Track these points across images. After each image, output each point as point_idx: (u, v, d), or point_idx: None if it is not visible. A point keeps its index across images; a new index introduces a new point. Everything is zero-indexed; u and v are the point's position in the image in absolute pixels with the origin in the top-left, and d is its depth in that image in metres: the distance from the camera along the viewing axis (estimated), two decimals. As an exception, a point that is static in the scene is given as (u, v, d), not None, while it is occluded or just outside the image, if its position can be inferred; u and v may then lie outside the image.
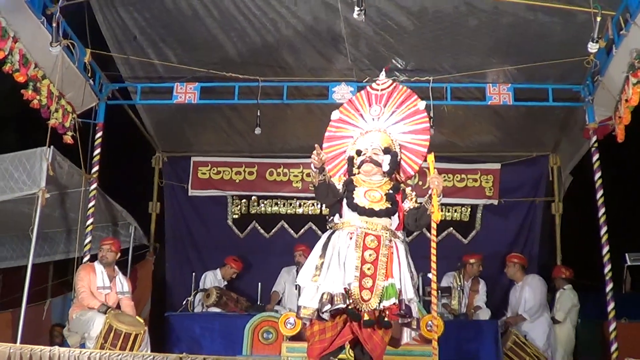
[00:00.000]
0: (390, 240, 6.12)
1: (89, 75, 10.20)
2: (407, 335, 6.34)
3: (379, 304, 5.88)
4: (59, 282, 12.96)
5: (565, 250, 12.69)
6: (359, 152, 6.46)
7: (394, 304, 5.87)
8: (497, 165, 13.17)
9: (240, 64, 10.82)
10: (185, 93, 10.81)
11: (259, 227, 13.43)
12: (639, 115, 8.54)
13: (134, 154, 13.34)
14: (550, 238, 12.97)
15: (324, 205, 11.58)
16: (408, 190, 6.46)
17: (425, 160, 6.32)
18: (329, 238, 6.21)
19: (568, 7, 8.73)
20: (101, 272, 9.61)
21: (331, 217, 6.39)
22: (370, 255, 5.99)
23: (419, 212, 6.21)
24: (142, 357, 5.79)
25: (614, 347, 9.54)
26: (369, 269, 5.96)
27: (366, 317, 5.88)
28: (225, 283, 11.89)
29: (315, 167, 6.08)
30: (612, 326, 9.67)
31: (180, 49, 10.78)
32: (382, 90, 6.80)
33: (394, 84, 6.82)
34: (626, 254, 11.03)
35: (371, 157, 6.37)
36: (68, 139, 9.96)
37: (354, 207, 6.14)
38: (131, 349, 8.54)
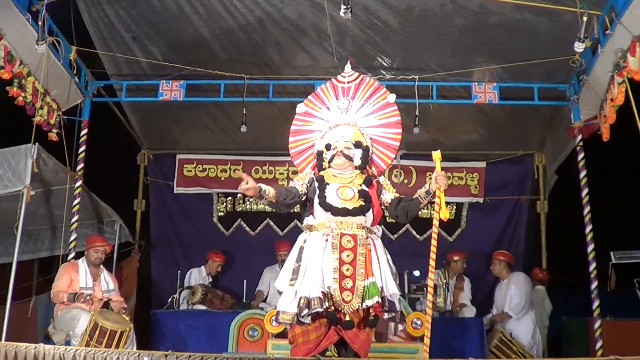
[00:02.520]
0: (367, 238, 6.11)
1: (75, 72, 10.18)
2: (392, 329, 6.33)
3: (362, 303, 5.86)
4: (44, 279, 12.90)
5: (550, 248, 12.74)
6: (328, 146, 6.45)
7: (377, 302, 5.85)
8: (483, 164, 13.20)
9: (226, 62, 10.81)
10: (171, 90, 10.79)
11: (245, 225, 13.43)
12: (624, 115, 8.56)
13: (119, 151, 13.30)
14: (535, 236, 13.01)
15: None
16: (382, 179, 6.48)
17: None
18: (304, 241, 6.20)
19: (554, 7, 8.75)
20: (85, 271, 9.59)
21: (305, 219, 6.36)
22: (348, 255, 5.97)
23: (412, 205, 6.18)
24: (128, 355, 5.77)
25: (599, 344, 9.57)
26: (347, 269, 5.93)
27: (347, 319, 5.88)
28: (211, 279, 11.91)
29: (253, 196, 6.08)
30: (597, 324, 9.71)
31: (166, 47, 10.77)
32: (348, 82, 6.80)
33: (361, 77, 6.83)
34: (611, 252, 11.06)
35: (342, 151, 6.35)
36: (53, 136, 9.93)
37: (327, 207, 6.11)
38: (117, 347, 8.51)
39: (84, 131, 10.73)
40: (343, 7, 8.09)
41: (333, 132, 6.57)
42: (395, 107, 6.71)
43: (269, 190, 6.11)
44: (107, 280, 9.81)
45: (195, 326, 10.32)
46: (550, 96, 10.82)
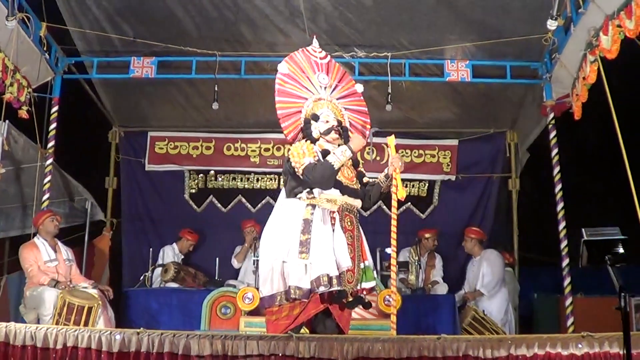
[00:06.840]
0: (357, 221, 6.11)
1: (45, 49, 10.05)
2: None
3: (359, 284, 5.87)
4: (15, 258, 12.83)
5: (522, 225, 12.80)
6: (315, 117, 6.36)
7: (373, 286, 5.90)
8: (455, 142, 13.23)
9: (198, 39, 10.73)
10: (142, 67, 10.75)
11: (216, 202, 13.38)
12: (596, 93, 8.60)
13: (90, 129, 13.18)
14: (507, 214, 13.07)
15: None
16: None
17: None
18: (312, 214, 6.00)
19: (527, -16, 8.77)
20: (43, 246, 9.53)
21: (305, 189, 6.09)
22: (349, 237, 5.96)
23: (374, 190, 6.20)
24: (100, 332, 5.75)
25: (570, 321, 9.66)
26: (350, 252, 5.91)
27: (350, 299, 5.89)
28: (182, 257, 11.87)
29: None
30: (569, 301, 9.79)
31: (138, 23, 10.64)
32: (320, 59, 6.76)
33: (328, 57, 6.83)
34: (582, 229, 11.14)
35: (338, 128, 6.31)
36: (23, 113, 9.82)
37: (339, 185, 6.05)
38: (86, 323, 8.48)
39: (55, 108, 10.64)
40: (316, -16, 8.06)
41: (321, 105, 6.50)
42: (362, 98, 6.76)
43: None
44: (65, 249, 9.76)
45: (168, 304, 10.27)
46: (522, 74, 10.83)
